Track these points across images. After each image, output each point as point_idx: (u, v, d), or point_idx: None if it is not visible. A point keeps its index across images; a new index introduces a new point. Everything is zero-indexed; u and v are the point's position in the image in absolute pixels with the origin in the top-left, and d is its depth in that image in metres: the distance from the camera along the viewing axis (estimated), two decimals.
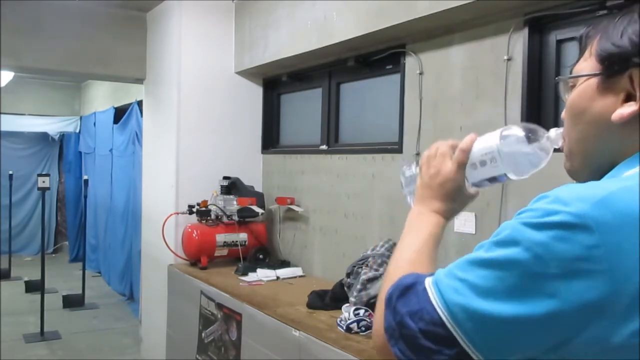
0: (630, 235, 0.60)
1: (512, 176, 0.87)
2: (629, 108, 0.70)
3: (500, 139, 0.87)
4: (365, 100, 3.10)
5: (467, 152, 0.91)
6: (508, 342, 0.64)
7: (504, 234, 0.66)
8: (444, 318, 0.66)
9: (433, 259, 0.86)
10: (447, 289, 0.68)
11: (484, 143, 0.89)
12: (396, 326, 0.72)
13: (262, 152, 3.90)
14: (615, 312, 0.59)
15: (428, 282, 0.71)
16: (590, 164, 0.78)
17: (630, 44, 0.71)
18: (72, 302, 5.84)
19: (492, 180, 0.90)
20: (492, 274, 0.65)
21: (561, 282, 0.60)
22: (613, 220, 0.60)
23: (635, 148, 0.72)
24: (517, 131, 0.86)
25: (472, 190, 0.93)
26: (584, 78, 0.77)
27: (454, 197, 0.92)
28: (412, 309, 0.70)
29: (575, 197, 0.62)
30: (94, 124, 7.47)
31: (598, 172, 0.75)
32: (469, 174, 0.91)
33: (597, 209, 0.61)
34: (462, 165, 0.91)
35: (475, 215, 2.29)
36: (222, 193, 3.54)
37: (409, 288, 0.73)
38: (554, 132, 0.84)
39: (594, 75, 0.75)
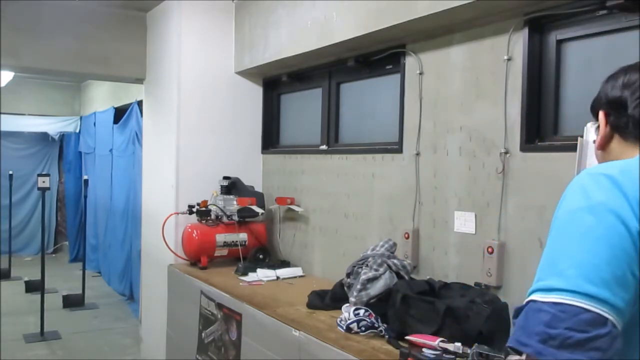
0: None
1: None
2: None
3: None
4: (365, 100, 3.09)
5: None
6: None
7: None
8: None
9: None
10: None
11: None
12: None
13: (262, 152, 3.90)
14: None
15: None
16: None
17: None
18: (72, 302, 5.84)
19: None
20: None
21: None
22: None
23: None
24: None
25: None
26: None
27: None
28: None
29: None
30: (94, 124, 7.48)
31: None
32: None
33: None
34: None
35: (475, 215, 2.29)
36: (222, 193, 3.54)
37: None
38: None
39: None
